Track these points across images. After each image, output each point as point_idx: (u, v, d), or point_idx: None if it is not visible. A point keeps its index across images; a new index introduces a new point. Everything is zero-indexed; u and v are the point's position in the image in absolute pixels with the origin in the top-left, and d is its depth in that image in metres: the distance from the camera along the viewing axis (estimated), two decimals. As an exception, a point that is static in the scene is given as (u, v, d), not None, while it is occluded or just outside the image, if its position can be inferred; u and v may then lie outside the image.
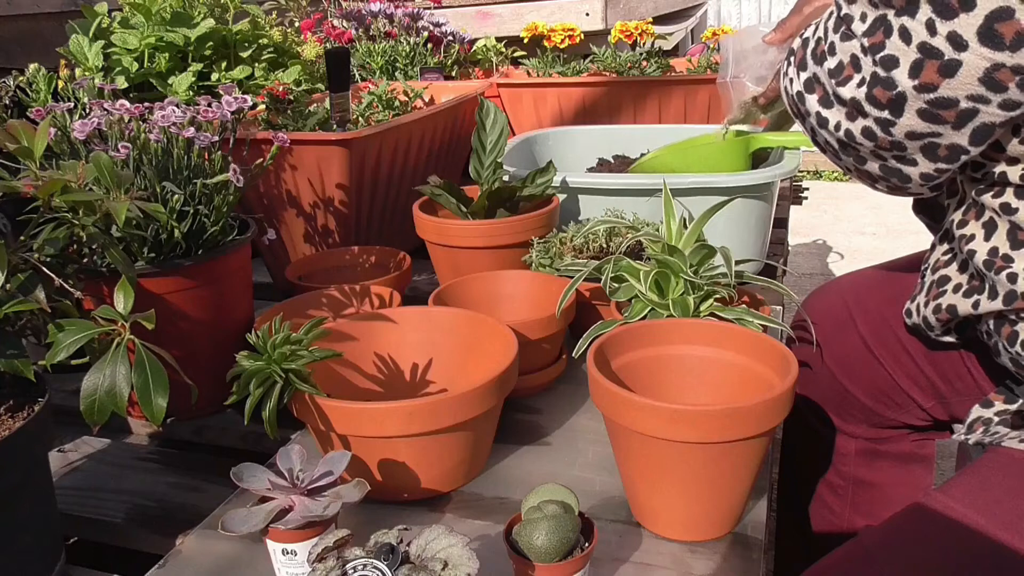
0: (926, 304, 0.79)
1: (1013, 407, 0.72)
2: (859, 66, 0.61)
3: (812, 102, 0.68)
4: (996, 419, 0.72)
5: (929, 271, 0.78)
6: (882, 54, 0.59)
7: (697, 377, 0.72)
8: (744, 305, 0.83)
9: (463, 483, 0.74)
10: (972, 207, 0.69)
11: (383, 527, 0.53)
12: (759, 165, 1.23)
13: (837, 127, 0.66)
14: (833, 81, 0.64)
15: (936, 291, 0.78)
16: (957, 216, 0.70)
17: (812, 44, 0.67)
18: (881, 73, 0.59)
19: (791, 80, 0.71)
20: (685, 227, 0.84)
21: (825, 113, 0.66)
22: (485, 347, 0.78)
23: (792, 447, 1.05)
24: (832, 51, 0.64)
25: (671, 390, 0.72)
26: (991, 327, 0.69)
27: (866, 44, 0.60)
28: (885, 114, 0.61)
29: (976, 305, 0.70)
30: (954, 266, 0.74)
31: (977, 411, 0.74)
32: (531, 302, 0.95)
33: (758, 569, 0.62)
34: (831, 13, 0.65)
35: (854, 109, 0.63)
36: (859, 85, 0.61)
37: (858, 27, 0.61)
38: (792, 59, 0.71)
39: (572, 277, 0.86)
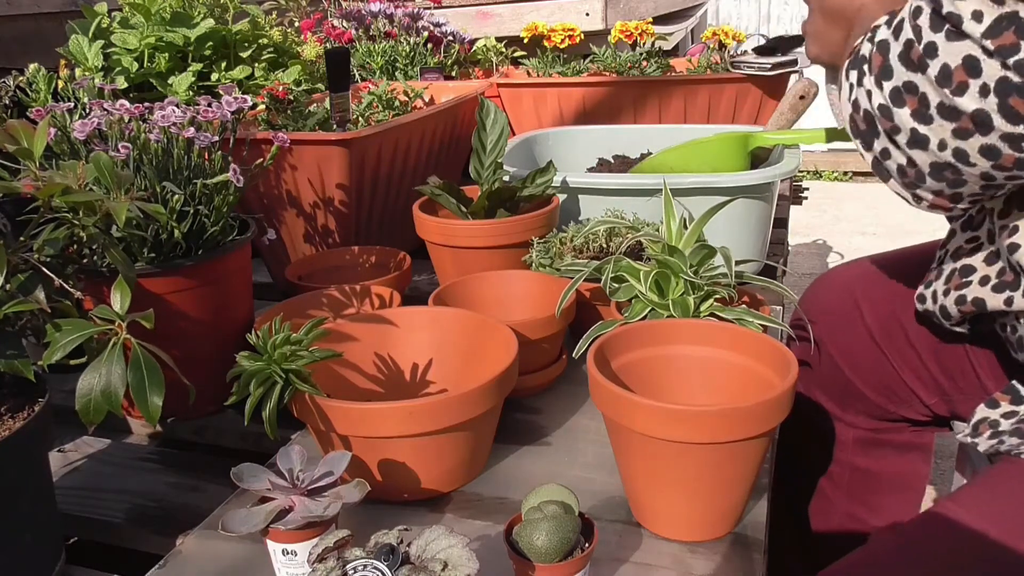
0: (945, 293, 0.76)
1: (1020, 408, 0.71)
2: (978, 70, 0.53)
3: (903, 117, 0.58)
4: (1003, 421, 0.71)
5: (949, 257, 0.76)
6: (1018, 57, 0.50)
7: (697, 377, 0.72)
8: (744, 305, 0.83)
9: (463, 483, 0.73)
10: (1015, 199, 0.65)
11: (383, 527, 0.53)
12: (758, 165, 1.23)
13: (942, 146, 0.56)
14: (945, 90, 0.55)
15: (959, 280, 0.74)
16: (996, 205, 0.67)
17: (899, 47, 0.58)
18: (1015, 79, 0.51)
19: (868, 92, 0.61)
20: (685, 227, 0.84)
21: (924, 130, 0.57)
22: (485, 347, 0.78)
23: (792, 445, 1.05)
24: (932, 53, 0.55)
25: (671, 390, 0.72)
26: (1018, 323, 0.68)
27: (991, 46, 0.51)
28: (1020, 128, 0.52)
29: (1009, 302, 0.67)
30: (980, 256, 0.71)
31: (982, 411, 0.72)
32: (531, 302, 0.95)
33: (758, 569, 0.62)
34: (917, 10, 0.57)
35: (974, 123, 0.54)
36: (983, 94, 0.53)
37: (972, 27, 0.52)
38: (865, 68, 0.61)
39: (572, 277, 0.86)
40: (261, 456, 0.72)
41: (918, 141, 0.58)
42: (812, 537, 1.04)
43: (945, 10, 0.54)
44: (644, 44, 1.75)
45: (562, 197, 1.13)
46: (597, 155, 1.40)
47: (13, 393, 0.65)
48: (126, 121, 0.86)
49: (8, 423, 0.62)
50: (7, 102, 1.09)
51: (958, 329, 0.77)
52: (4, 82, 1.11)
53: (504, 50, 1.99)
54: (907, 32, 0.57)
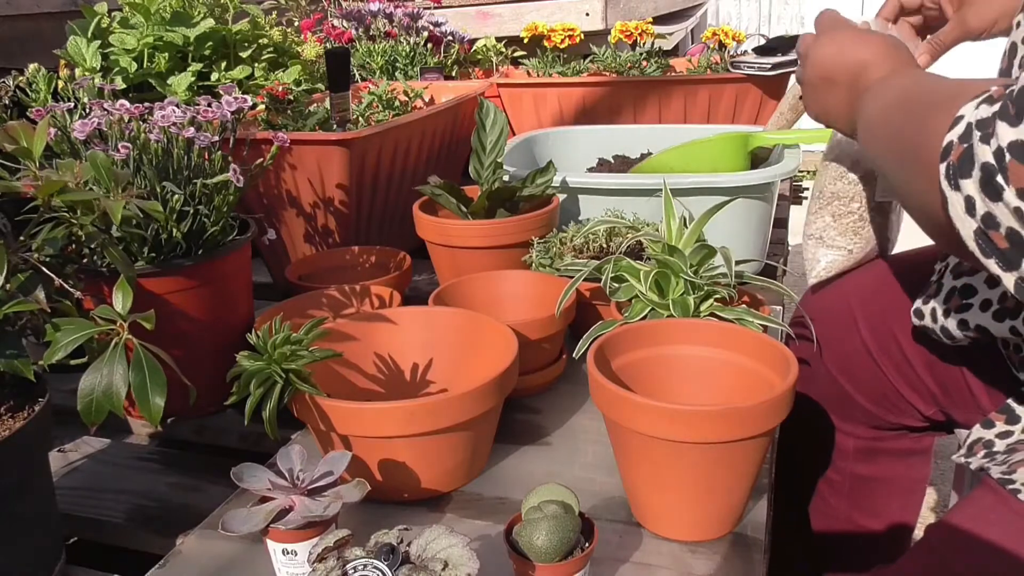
0: (946, 313, 0.74)
1: (1015, 428, 0.70)
2: None
3: None
4: (997, 441, 0.70)
5: (949, 273, 0.73)
6: None
7: (697, 377, 0.72)
8: (744, 305, 0.83)
9: (463, 483, 0.73)
10: None
11: (383, 527, 0.53)
12: (758, 165, 1.23)
13: None
14: None
15: (959, 302, 0.72)
16: None
17: None
18: None
19: (1016, 210, 0.46)
20: (685, 227, 0.83)
21: None
22: (485, 347, 0.78)
23: (792, 446, 1.05)
24: None
25: (671, 390, 0.72)
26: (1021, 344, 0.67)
27: None
28: None
29: (1015, 331, 0.65)
30: (982, 275, 0.68)
31: (978, 431, 0.71)
32: (531, 302, 0.94)
33: (758, 569, 0.62)
34: None
35: None
36: None
37: None
38: (1000, 180, 0.47)
39: (572, 277, 0.86)
40: (261, 456, 0.72)
41: None
42: (813, 538, 1.04)
43: None
44: (644, 44, 1.75)
45: (562, 197, 1.13)
46: (597, 155, 1.40)
47: (13, 393, 0.65)
48: (126, 121, 0.86)
49: (8, 423, 0.62)
50: (7, 102, 1.09)
51: (959, 344, 0.76)
52: (4, 82, 1.11)
53: (504, 50, 1.99)
54: None
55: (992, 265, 0.50)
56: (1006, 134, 0.46)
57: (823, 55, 0.72)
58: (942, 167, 0.51)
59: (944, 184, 0.51)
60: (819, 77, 0.73)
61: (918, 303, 0.79)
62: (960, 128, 0.50)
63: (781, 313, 1.04)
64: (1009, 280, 0.49)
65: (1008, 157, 0.46)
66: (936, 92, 0.56)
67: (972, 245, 0.50)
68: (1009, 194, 0.46)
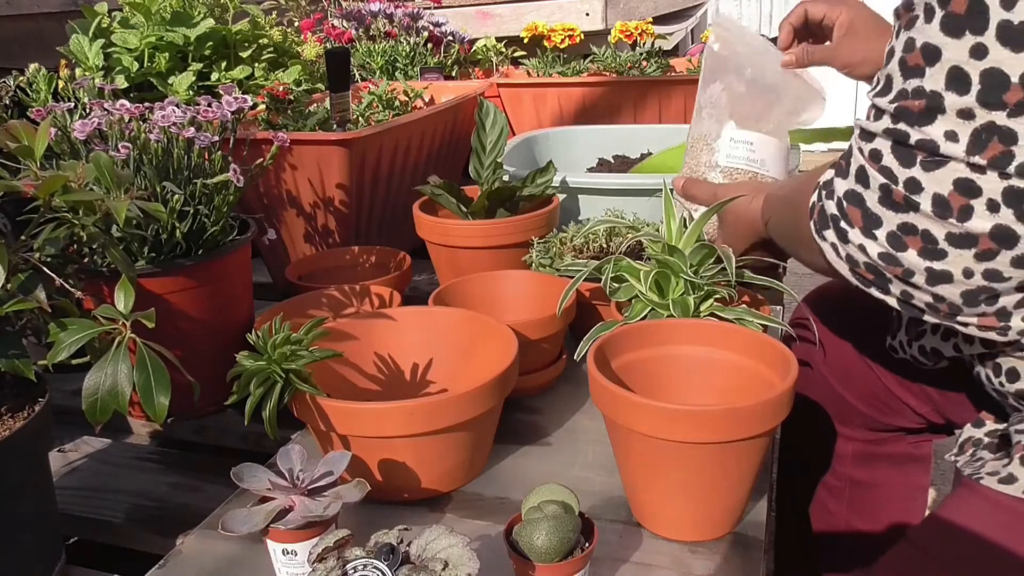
0: (909, 344, 0.79)
1: (1003, 427, 0.70)
2: (975, 189, 0.50)
3: (911, 259, 0.54)
4: (985, 439, 0.71)
5: None
6: (1018, 162, 0.48)
7: (697, 377, 0.72)
8: (744, 305, 0.83)
9: (463, 483, 0.73)
10: None
11: (383, 527, 0.53)
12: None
13: (968, 273, 0.53)
14: (949, 220, 0.51)
15: (916, 330, 0.77)
16: None
17: (875, 194, 0.55)
18: (1022, 184, 0.49)
19: (860, 247, 0.56)
20: (685, 227, 0.83)
21: (941, 266, 0.53)
22: (485, 347, 0.78)
23: (791, 447, 1.05)
24: (916, 189, 0.52)
25: (671, 390, 0.72)
26: (974, 362, 0.69)
27: (981, 161, 0.49)
28: None
29: (957, 348, 0.70)
30: None
31: (969, 431, 0.72)
32: (531, 302, 0.94)
33: (758, 569, 0.62)
34: (874, 153, 0.54)
35: (996, 241, 0.51)
36: (992, 210, 0.50)
37: (952, 148, 0.50)
38: (844, 224, 0.57)
39: (572, 277, 0.86)
40: (261, 456, 0.72)
41: (938, 277, 0.54)
42: (812, 540, 1.04)
43: (913, 139, 0.51)
44: (644, 44, 1.75)
45: (562, 197, 1.13)
46: (597, 155, 1.40)
47: (13, 393, 0.65)
48: (126, 121, 0.86)
49: (8, 423, 0.62)
50: (7, 102, 1.09)
51: (939, 367, 0.80)
52: (4, 82, 1.11)
53: (504, 50, 1.99)
54: (876, 177, 0.54)
55: (875, 292, 0.59)
56: (840, 186, 0.58)
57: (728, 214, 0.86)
58: (811, 224, 0.61)
59: (816, 238, 0.61)
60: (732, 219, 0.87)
61: (889, 339, 0.83)
62: (816, 192, 0.62)
63: (781, 313, 1.04)
64: (893, 301, 0.58)
65: (845, 204, 0.57)
66: (808, 180, 0.67)
67: (855, 281, 0.59)
68: (854, 234, 0.57)
